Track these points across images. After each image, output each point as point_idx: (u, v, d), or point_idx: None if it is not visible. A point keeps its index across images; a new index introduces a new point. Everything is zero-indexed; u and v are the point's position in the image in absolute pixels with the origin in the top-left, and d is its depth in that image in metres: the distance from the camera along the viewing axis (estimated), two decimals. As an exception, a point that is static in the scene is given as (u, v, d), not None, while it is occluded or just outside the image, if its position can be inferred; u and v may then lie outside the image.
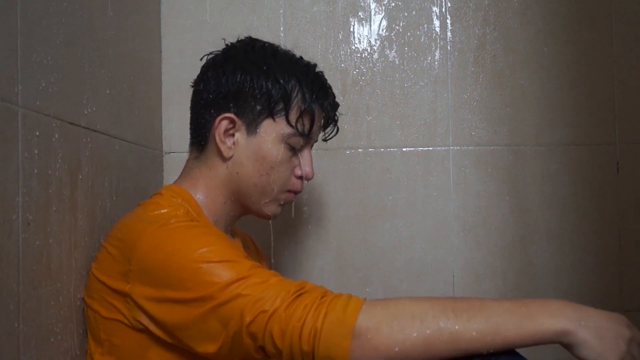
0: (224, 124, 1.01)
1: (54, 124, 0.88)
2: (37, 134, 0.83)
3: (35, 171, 0.82)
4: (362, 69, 1.50)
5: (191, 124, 1.07)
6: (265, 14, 1.49)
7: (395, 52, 1.49)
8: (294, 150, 1.04)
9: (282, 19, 1.49)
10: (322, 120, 1.08)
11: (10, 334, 0.76)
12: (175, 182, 1.06)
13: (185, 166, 1.08)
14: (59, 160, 0.89)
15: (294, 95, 1.01)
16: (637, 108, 1.47)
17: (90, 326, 0.94)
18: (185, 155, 1.53)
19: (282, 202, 1.06)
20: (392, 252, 1.47)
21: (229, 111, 1.00)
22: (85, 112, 1.00)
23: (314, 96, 1.03)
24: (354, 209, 1.48)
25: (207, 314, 0.83)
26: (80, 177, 0.97)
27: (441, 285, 1.47)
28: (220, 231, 0.95)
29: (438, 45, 1.49)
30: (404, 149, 1.49)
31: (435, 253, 1.48)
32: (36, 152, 0.83)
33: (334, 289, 0.85)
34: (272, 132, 1.01)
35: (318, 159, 1.47)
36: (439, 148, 1.48)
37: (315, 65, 1.08)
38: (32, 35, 0.83)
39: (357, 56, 1.50)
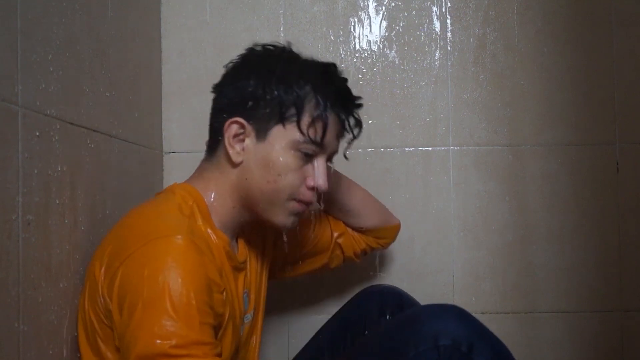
0: (234, 127, 0.99)
1: (54, 124, 0.88)
2: (37, 134, 0.83)
3: (35, 171, 0.82)
4: (362, 69, 1.49)
5: (209, 126, 1.06)
6: (265, 14, 1.49)
7: (395, 52, 1.49)
8: (308, 159, 1.00)
9: (282, 19, 1.49)
10: (338, 130, 1.04)
11: (10, 334, 0.76)
12: (189, 180, 1.05)
13: (199, 166, 1.06)
14: (59, 160, 0.89)
15: (307, 101, 0.98)
16: (637, 108, 1.47)
17: (85, 330, 0.92)
18: (185, 155, 1.52)
19: (292, 212, 1.02)
20: (392, 252, 1.47)
21: (239, 115, 0.99)
22: (85, 112, 1.00)
23: (328, 104, 0.99)
24: (354, 209, 1.48)
25: None
26: (80, 177, 0.97)
27: (441, 286, 1.47)
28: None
29: (438, 45, 1.49)
30: (404, 149, 1.49)
31: (435, 253, 1.48)
32: (36, 152, 0.82)
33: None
34: (282, 139, 0.98)
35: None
36: (439, 148, 1.48)
37: (334, 70, 1.05)
38: (32, 35, 0.83)
39: (357, 56, 1.50)
